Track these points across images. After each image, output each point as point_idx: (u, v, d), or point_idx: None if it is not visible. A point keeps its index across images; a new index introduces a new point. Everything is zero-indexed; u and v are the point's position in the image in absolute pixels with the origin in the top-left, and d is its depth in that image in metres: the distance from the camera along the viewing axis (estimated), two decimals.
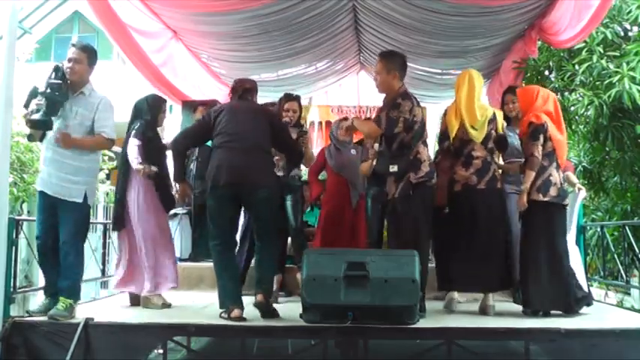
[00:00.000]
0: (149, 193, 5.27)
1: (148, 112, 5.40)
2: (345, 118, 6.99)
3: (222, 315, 4.57)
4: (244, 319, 4.49)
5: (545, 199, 4.89)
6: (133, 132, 5.28)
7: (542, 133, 4.94)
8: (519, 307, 5.26)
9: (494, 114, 5.18)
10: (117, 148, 5.44)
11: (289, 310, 4.74)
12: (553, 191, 4.90)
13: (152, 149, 5.29)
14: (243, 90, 5.10)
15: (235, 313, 4.50)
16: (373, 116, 5.86)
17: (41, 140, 4.63)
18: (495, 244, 5.03)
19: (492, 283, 5.05)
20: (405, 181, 4.77)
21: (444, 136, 5.30)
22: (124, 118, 5.55)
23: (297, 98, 6.11)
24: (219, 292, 4.68)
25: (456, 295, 5.16)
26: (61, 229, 4.49)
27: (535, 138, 4.94)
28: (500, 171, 5.24)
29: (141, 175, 5.12)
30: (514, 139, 5.58)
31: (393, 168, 4.80)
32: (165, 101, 5.70)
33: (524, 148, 5.10)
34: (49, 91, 4.41)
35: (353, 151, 6.44)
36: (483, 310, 4.99)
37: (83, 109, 4.55)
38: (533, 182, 4.94)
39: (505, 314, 4.97)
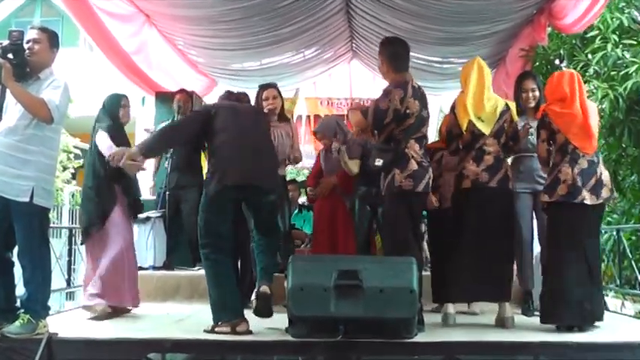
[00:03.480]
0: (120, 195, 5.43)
1: (106, 117, 5.53)
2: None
3: (219, 329, 4.55)
4: (251, 333, 4.54)
5: (552, 199, 4.86)
6: (100, 128, 5.40)
7: (543, 128, 4.96)
8: (528, 319, 5.28)
9: (506, 105, 5.18)
10: (83, 144, 5.41)
11: (274, 323, 4.73)
12: (561, 189, 4.82)
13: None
14: (239, 98, 5.33)
15: (243, 326, 4.54)
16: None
17: None
18: (504, 249, 5.05)
19: (500, 292, 5.02)
20: (390, 178, 4.74)
21: (451, 134, 5.30)
22: (91, 112, 5.54)
23: (272, 85, 6.28)
24: (217, 305, 4.65)
25: (451, 309, 5.07)
26: (16, 238, 4.39)
27: (537, 135, 5.02)
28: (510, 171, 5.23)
29: (116, 162, 5.07)
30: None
31: (378, 162, 4.79)
32: (122, 96, 5.68)
33: None
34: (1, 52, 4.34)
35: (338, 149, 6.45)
36: (501, 323, 4.95)
37: (36, 93, 4.38)
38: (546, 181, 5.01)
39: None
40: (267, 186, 4.83)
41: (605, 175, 4.92)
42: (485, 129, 5.08)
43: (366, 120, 4.93)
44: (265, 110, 6.02)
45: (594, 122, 4.92)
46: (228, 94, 5.37)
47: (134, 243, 5.71)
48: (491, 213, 5.01)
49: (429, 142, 5.19)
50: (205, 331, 4.56)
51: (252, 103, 5.92)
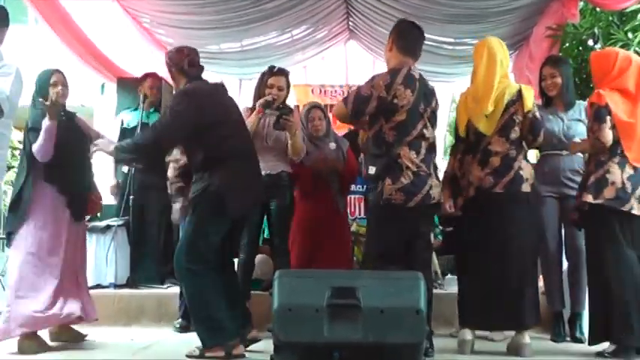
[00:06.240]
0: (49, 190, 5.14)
1: (35, 95, 5.28)
2: (317, 106, 6.76)
3: (211, 354, 4.59)
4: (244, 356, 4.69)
5: (597, 201, 4.86)
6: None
7: (608, 114, 4.88)
8: (557, 346, 5.28)
9: (518, 92, 5.04)
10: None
11: (257, 349, 4.73)
12: (608, 192, 4.84)
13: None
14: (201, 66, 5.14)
15: (239, 349, 4.68)
16: None
17: None
18: (521, 266, 4.96)
19: (517, 318, 4.95)
20: (380, 188, 4.75)
21: (455, 135, 5.30)
22: None
23: (284, 73, 6.06)
24: (208, 326, 4.66)
25: (468, 335, 5.00)
26: None
27: (601, 120, 4.88)
28: (531, 171, 5.12)
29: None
30: (555, 125, 5.54)
31: (371, 170, 4.81)
32: (53, 71, 5.34)
33: (588, 131, 5.08)
34: None
35: (332, 145, 6.33)
36: (515, 351, 4.93)
37: None
38: (585, 180, 4.98)
39: (538, 354, 4.95)
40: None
41: None
42: (487, 129, 5.01)
43: (345, 108, 4.86)
44: (264, 98, 5.77)
45: None
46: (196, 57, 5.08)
47: (78, 246, 5.41)
48: (498, 223, 4.95)
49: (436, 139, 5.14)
50: (190, 356, 4.56)
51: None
